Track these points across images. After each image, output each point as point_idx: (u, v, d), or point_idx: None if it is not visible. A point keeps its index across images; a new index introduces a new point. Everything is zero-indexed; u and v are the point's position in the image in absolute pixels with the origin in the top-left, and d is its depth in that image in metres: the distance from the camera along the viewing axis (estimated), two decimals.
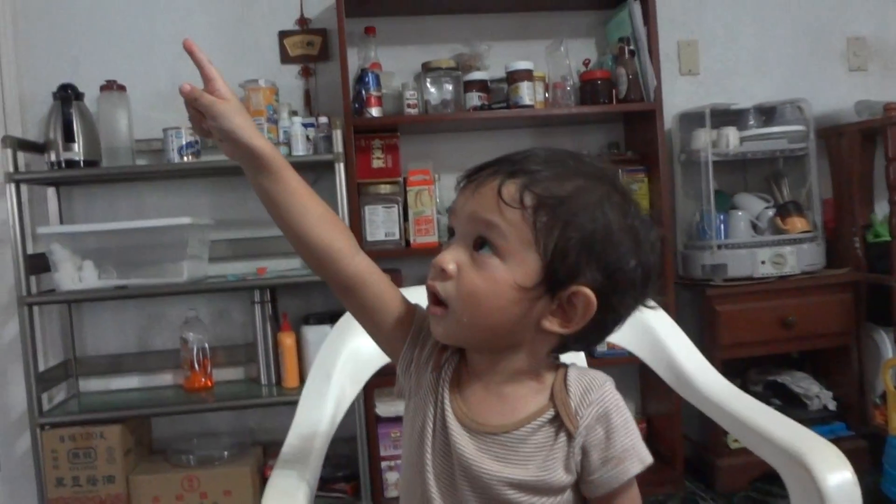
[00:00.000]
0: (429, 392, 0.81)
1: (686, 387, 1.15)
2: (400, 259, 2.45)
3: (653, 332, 1.20)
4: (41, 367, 2.29)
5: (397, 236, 2.33)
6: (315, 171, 2.48)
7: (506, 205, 0.73)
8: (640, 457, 0.77)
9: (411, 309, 0.86)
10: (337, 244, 0.84)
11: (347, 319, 1.20)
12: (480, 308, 0.75)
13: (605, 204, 0.75)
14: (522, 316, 0.75)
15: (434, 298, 0.78)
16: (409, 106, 2.36)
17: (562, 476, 0.77)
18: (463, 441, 0.78)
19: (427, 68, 2.40)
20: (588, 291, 0.74)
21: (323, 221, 0.85)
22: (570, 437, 0.77)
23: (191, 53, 0.80)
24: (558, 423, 0.77)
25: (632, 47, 2.39)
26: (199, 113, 0.79)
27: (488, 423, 0.78)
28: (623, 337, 1.20)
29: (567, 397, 0.78)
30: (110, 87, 2.35)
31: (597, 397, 0.78)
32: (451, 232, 0.80)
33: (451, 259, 0.76)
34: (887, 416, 2.13)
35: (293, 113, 2.41)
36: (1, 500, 2.50)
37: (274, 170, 0.83)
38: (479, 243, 0.75)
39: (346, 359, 1.16)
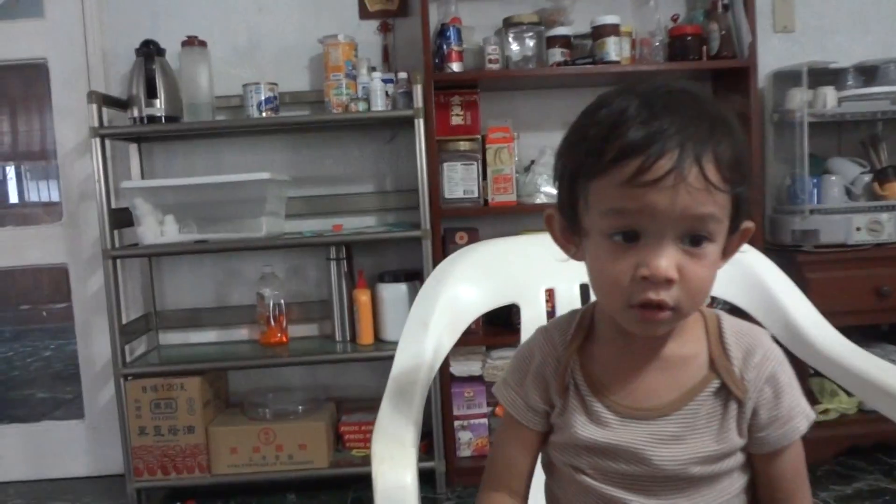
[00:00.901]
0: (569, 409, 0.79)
1: (803, 346, 1.09)
2: (477, 217, 2.41)
3: (766, 287, 1.14)
4: (124, 320, 2.34)
5: (476, 194, 2.29)
6: (392, 127, 2.46)
7: (717, 190, 0.67)
8: (805, 413, 0.76)
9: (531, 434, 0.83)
10: None
11: (443, 268, 1.17)
12: (706, 294, 0.72)
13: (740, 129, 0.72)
14: None
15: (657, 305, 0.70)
16: (490, 62, 2.31)
17: (736, 440, 0.75)
18: (629, 434, 0.75)
19: (509, 23, 2.33)
20: (751, 224, 0.74)
21: None
22: (741, 403, 0.74)
23: None
24: (725, 391, 0.75)
25: (725, 1, 2.27)
26: None
27: (653, 405, 0.75)
28: (734, 292, 1.14)
29: (729, 364, 0.75)
30: (191, 42, 2.36)
31: (761, 358, 0.75)
32: (631, 235, 0.69)
33: (671, 265, 0.68)
34: None
35: (372, 69, 2.38)
36: (86, 446, 2.59)
37: None
38: (697, 239, 0.69)
39: (443, 307, 1.12)
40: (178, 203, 2.30)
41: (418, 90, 2.21)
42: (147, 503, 2.34)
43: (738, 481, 0.77)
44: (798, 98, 2.32)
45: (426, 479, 2.31)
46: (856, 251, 2.27)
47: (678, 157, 0.65)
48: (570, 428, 0.77)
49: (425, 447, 2.35)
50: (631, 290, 0.69)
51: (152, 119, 2.32)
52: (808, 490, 0.80)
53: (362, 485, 2.34)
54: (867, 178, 2.39)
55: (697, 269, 0.69)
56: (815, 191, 2.35)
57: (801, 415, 0.76)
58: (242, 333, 2.58)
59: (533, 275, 1.16)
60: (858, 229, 2.26)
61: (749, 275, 1.15)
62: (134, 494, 2.30)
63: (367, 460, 2.33)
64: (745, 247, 1.14)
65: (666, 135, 0.65)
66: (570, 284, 1.15)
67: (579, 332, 0.80)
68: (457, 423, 2.32)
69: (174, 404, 2.29)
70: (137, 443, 2.29)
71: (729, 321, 0.78)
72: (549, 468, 0.85)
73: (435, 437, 2.29)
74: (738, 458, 0.76)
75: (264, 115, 2.33)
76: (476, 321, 1.33)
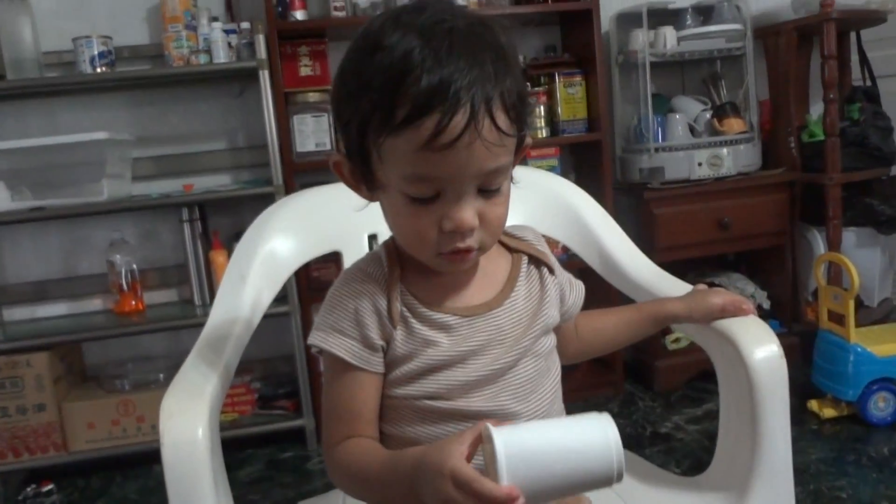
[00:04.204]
0: (414, 337, 0.77)
1: (616, 274, 1.13)
2: (331, 171, 2.36)
3: (583, 220, 1.17)
4: None
5: (328, 146, 2.24)
6: (240, 81, 2.37)
7: (508, 136, 0.68)
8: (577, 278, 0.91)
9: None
10: None
11: (261, 220, 1.14)
12: (505, 224, 0.76)
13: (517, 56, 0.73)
14: None
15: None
16: (335, 9, 2.24)
17: (555, 315, 0.85)
18: (478, 333, 0.78)
19: None
20: (530, 140, 0.77)
21: None
22: (551, 270, 0.85)
23: None
24: (535, 262, 0.84)
25: None
26: None
27: (484, 301, 0.80)
28: (553, 226, 1.17)
29: (527, 244, 0.85)
30: None
31: (542, 241, 0.88)
32: (430, 195, 0.69)
33: (473, 215, 0.70)
34: (818, 312, 2.18)
35: (213, 19, 2.26)
36: None
37: None
38: (493, 189, 0.71)
39: (262, 260, 1.09)
40: (9, 169, 2.14)
41: (261, 40, 2.13)
42: (3, 488, 2.22)
43: (559, 370, 0.85)
44: (640, 39, 2.38)
45: (297, 437, 2.30)
46: (698, 185, 2.38)
47: (470, 111, 0.64)
48: (423, 350, 0.76)
49: (293, 406, 2.33)
50: (437, 241, 0.71)
51: None
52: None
53: (230, 449, 2.30)
54: (708, 115, 2.50)
55: (496, 210, 0.72)
56: (660, 129, 2.44)
57: (574, 277, 0.91)
58: (96, 304, 2.46)
59: (355, 221, 1.14)
60: (700, 164, 2.37)
61: (565, 208, 1.18)
62: None
63: (234, 424, 2.31)
64: (562, 181, 1.18)
65: (456, 86, 0.64)
66: None
67: (394, 264, 0.79)
68: (323, 380, 2.30)
69: (20, 382, 2.16)
70: None
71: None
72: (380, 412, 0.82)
73: (302, 394, 2.27)
74: (555, 340, 0.85)
75: (98, 70, 2.18)
76: None
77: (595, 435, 0.63)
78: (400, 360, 0.77)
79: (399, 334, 0.77)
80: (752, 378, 0.85)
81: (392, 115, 0.65)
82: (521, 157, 0.77)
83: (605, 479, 0.63)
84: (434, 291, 0.78)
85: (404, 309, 0.77)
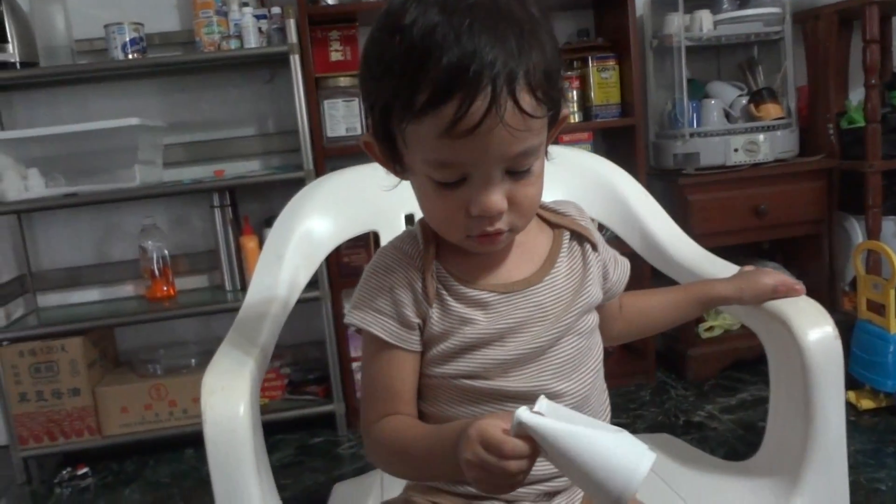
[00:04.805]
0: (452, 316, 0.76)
1: (658, 255, 1.11)
2: (362, 155, 2.35)
3: (623, 199, 1.14)
4: None
5: (359, 131, 2.23)
6: (270, 66, 2.36)
7: (534, 118, 0.65)
8: (622, 254, 0.89)
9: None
10: None
11: (298, 200, 1.13)
12: (538, 203, 0.75)
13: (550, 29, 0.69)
14: None
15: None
16: None
17: (598, 293, 0.83)
18: (516, 311, 0.76)
19: None
20: (567, 111, 0.73)
21: None
22: (595, 249, 0.83)
23: None
24: (577, 238, 0.82)
25: None
26: None
27: (523, 277, 0.78)
28: (592, 206, 1.14)
29: (570, 219, 0.83)
30: None
31: (587, 216, 0.85)
32: (456, 180, 0.68)
33: (501, 199, 0.68)
34: (856, 302, 2.13)
35: (244, 4, 2.25)
36: None
37: None
38: (522, 170, 0.69)
39: (298, 240, 1.09)
40: (43, 156, 2.15)
41: (291, 25, 2.12)
42: (39, 471, 2.25)
43: (601, 350, 0.84)
44: (675, 22, 2.33)
45: (327, 422, 2.30)
46: (734, 172, 2.33)
47: (492, 94, 0.62)
48: (459, 328, 0.75)
49: (324, 391, 2.33)
50: (466, 224, 0.70)
51: (5, 65, 2.14)
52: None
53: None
54: (745, 100, 2.45)
55: (527, 191, 0.70)
56: (695, 115, 2.39)
57: (620, 254, 0.88)
58: (128, 290, 2.48)
59: (391, 201, 1.12)
60: (736, 150, 2.32)
61: (608, 190, 1.16)
62: (21, 464, 2.20)
63: (264, 409, 2.31)
64: (601, 160, 1.15)
65: (475, 67, 0.61)
66: None
67: (429, 241, 0.78)
68: (354, 365, 2.30)
69: (55, 367, 2.18)
70: (19, 410, 2.18)
71: (543, 202, 0.83)
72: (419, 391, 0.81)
73: (333, 380, 2.26)
74: (597, 319, 0.83)
75: (130, 57, 2.18)
76: None
77: (630, 452, 0.60)
78: (437, 338, 0.76)
79: (435, 312, 0.75)
80: (805, 360, 0.83)
81: (412, 102, 0.63)
82: (559, 130, 0.74)
83: (611, 494, 0.59)
84: (470, 268, 0.77)
85: (440, 286, 0.76)
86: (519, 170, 0.68)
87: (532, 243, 0.80)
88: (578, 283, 0.80)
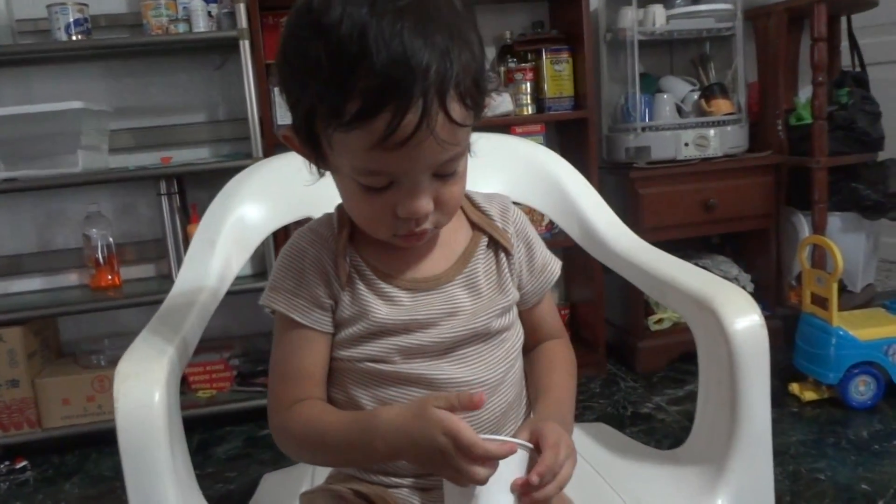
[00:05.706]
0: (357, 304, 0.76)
1: (595, 243, 1.11)
2: None
3: (563, 188, 1.14)
4: None
5: None
6: (221, 51, 2.32)
7: (463, 127, 0.65)
8: (554, 259, 0.86)
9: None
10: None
11: (233, 185, 1.11)
12: (461, 200, 0.76)
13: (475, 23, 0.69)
14: None
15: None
16: None
17: (514, 293, 0.82)
18: (423, 307, 0.76)
19: None
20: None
21: None
22: (508, 254, 0.82)
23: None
24: (494, 245, 0.81)
25: None
26: None
27: (436, 274, 0.78)
28: (534, 196, 1.14)
29: (490, 220, 0.82)
30: None
31: (515, 215, 0.84)
32: (384, 185, 0.67)
33: (428, 201, 0.68)
34: (801, 296, 2.17)
35: None
36: None
37: None
38: (449, 173, 0.69)
39: (231, 225, 1.06)
40: None
41: (241, 9, 2.08)
42: None
43: (519, 340, 0.83)
44: (629, 17, 2.35)
45: None
46: (684, 166, 2.35)
47: (423, 107, 0.60)
48: (365, 315, 0.75)
49: None
50: (393, 224, 0.70)
51: None
52: (560, 320, 0.91)
53: (208, 426, 2.27)
54: (696, 95, 2.48)
55: (452, 190, 0.71)
56: (647, 109, 2.41)
57: (552, 261, 0.86)
58: (71, 278, 2.41)
59: (328, 186, 1.11)
60: (686, 145, 2.34)
61: (547, 177, 1.15)
62: None
63: (212, 401, 2.27)
64: (545, 150, 1.14)
65: (408, 78, 0.59)
66: None
67: (344, 226, 0.77)
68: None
69: None
70: None
71: (476, 192, 0.84)
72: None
73: None
74: (515, 312, 0.83)
75: (74, 38, 2.12)
76: None
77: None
78: (345, 322, 0.76)
79: (346, 296, 0.76)
80: (732, 348, 0.83)
81: (341, 111, 0.61)
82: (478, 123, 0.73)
83: None
84: (387, 260, 0.77)
85: (353, 271, 0.76)
86: (446, 173, 0.68)
87: (450, 238, 0.80)
88: (495, 284, 0.80)
